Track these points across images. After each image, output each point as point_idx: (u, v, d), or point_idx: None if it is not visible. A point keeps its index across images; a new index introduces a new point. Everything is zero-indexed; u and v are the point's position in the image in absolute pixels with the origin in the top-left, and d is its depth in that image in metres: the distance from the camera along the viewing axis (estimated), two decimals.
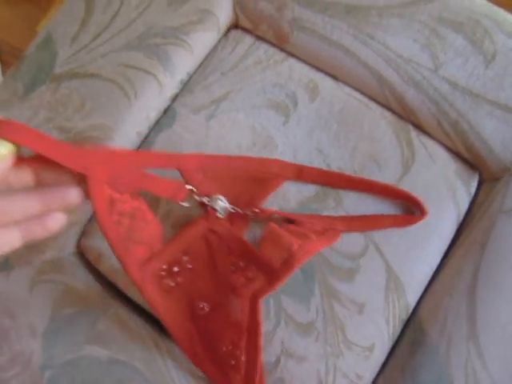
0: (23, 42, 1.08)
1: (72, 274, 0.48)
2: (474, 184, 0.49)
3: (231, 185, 0.46)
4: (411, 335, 0.46)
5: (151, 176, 0.40)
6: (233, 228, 0.45)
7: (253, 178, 0.46)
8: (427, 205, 0.46)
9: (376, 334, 0.45)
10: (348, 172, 0.48)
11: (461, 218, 0.48)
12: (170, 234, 0.45)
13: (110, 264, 0.48)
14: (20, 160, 0.34)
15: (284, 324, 0.45)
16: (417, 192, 0.47)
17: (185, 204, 0.42)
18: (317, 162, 0.48)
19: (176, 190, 0.42)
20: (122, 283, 0.49)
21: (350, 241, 0.46)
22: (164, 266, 0.43)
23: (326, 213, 0.47)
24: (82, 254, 0.50)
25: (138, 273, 0.40)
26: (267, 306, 0.45)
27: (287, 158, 0.48)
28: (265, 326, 0.45)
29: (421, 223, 0.46)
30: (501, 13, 0.48)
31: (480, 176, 0.49)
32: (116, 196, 0.38)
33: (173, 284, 0.43)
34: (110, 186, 0.38)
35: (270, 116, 0.50)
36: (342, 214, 0.47)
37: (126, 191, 0.39)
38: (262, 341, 0.40)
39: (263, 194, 0.47)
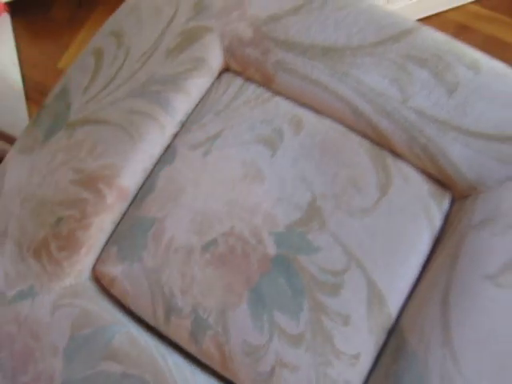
0: (47, 78, 1.18)
1: (88, 297, 0.54)
2: (447, 202, 0.53)
3: None
4: (394, 343, 0.50)
5: None
6: None
7: None
8: (403, 222, 0.51)
9: (361, 343, 0.49)
10: (330, 196, 0.53)
11: (435, 233, 0.53)
12: None
13: (122, 288, 0.54)
14: None
15: (277, 337, 0.50)
16: (394, 211, 0.52)
17: None
18: (302, 189, 0.54)
19: None
20: (132, 305, 0.54)
21: (333, 258, 0.51)
22: None
23: (310, 235, 0.52)
24: (97, 279, 0.56)
25: None
26: (261, 322, 0.50)
27: (275, 187, 0.54)
28: (259, 340, 0.50)
29: (399, 240, 0.51)
30: (461, 47, 0.54)
31: (452, 194, 0.54)
32: None
33: None
34: None
35: (258, 150, 0.56)
36: (328, 236, 0.52)
37: None
38: None
39: None
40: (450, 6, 1.14)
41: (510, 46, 1.11)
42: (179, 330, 0.52)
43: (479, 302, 0.47)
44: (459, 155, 0.51)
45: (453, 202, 0.54)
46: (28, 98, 1.17)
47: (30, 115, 1.15)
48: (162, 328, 0.53)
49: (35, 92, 1.18)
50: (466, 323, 0.47)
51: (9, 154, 0.60)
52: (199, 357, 0.52)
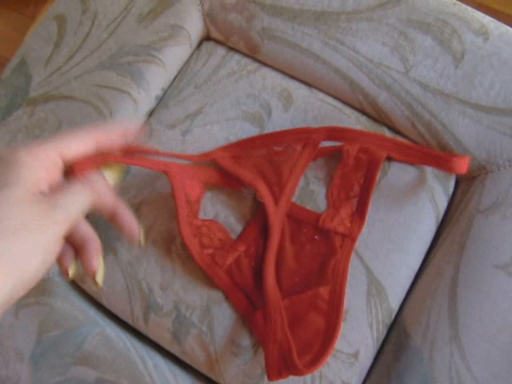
0: (12, 52, 1.08)
1: (57, 294, 0.49)
2: (452, 184, 0.49)
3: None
4: (395, 339, 0.46)
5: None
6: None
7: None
8: (405, 207, 0.46)
9: (360, 340, 0.45)
10: (323, 178, 0.48)
11: (440, 218, 0.48)
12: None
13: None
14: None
15: None
16: (395, 194, 0.47)
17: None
18: None
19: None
20: (107, 302, 0.49)
21: None
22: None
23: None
24: None
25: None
26: None
27: None
28: (249, 339, 0.45)
29: (400, 226, 0.46)
30: (468, 11, 0.48)
31: (457, 175, 0.49)
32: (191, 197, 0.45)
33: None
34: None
35: (244, 127, 0.50)
36: None
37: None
38: None
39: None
40: None
41: (498, 13, 1.07)
42: (160, 330, 0.47)
43: (490, 293, 0.43)
44: (467, 132, 0.46)
45: (459, 184, 0.49)
46: None
47: None
48: (141, 327, 0.48)
49: (2, 68, 1.09)
50: (475, 316, 0.42)
51: None
52: (182, 358, 0.47)
